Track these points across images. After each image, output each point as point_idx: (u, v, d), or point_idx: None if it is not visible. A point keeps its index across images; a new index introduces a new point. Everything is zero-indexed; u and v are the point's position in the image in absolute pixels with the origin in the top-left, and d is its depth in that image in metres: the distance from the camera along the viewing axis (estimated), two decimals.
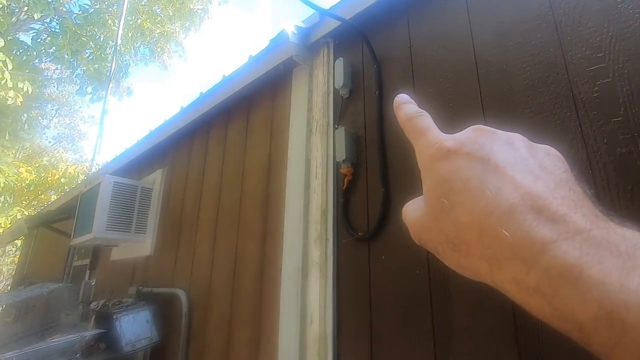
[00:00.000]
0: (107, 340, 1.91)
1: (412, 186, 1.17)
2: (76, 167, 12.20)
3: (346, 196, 1.36)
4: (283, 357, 1.33)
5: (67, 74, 9.51)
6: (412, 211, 0.25)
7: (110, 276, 2.92)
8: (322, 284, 1.31)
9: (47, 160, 12.92)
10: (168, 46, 9.91)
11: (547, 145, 0.24)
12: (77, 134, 14.33)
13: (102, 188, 2.41)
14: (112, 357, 1.86)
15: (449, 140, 0.24)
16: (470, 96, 1.12)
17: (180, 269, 2.13)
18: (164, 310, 2.07)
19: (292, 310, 1.35)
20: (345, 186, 1.36)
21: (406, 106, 0.29)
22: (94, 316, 2.14)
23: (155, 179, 2.64)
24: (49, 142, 14.02)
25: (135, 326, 1.92)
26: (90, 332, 1.87)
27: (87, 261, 3.47)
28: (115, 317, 1.90)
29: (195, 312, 1.90)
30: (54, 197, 10.22)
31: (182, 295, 1.98)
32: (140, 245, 2.53)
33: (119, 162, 3.14)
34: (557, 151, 0.24)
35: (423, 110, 0.28)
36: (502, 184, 0.20)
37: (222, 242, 1.87)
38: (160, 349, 2.01)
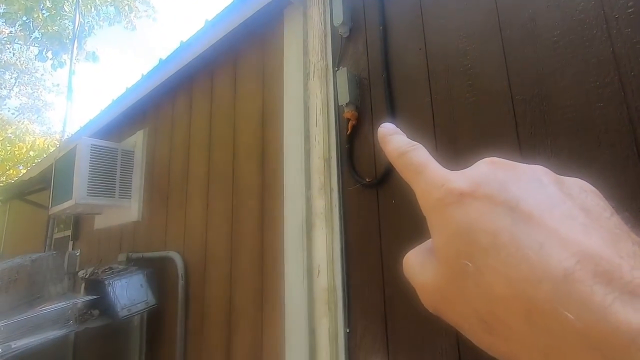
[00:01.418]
0: (100, 307, 1.84)
1: (423, 125, 1.10)
2: (45, 140, 11.54)
3: (351, 142, 1.28)
4: (290, 309, 1.30)
5: (23, 36, 8.69)
6: (420, 269, 0.19)
7: (95, 246, 2.81)
8: (329, 234, 1.26)
9: (11, 133, 12.12)
10: (135, 4, 9.13)
11: (577, 179, 0.18)
12: (42, 104, 13.34)
13: (79, 152, 2.24)
14: (107, 323, 1.81)
15: (460, 179, 0.18)
16: (489, 23, 1.03)
17: (173, 232, 2.04)
18: (159, 274, 2.00)
19: (297, 263, 1.31)
20: (349, 131, 1.27)
21: (394, 138, 0.23)
22: (83, 284, 2.05)
23: (137, 141, 2.47)
24: (12, 113, 13.04)
25: (129, 291, 1.85)
26: (82, 298, 1.79)
27: (68, 232, 3.33)
28: (107, 282, 1.82)
29: (192, 273, 1.84)
30: (23, 172, 9.69)
31: (176, 257, 1.91)
32: (126, 211, 2.41)
33: (95, 125, 2.92)
34: (590, 184, 0.18)
35: (416, 142, 0.22)
36: (544, 239, 0.15)
37: (217, 200, 1.78)
38: (157, 313, 1.96)
